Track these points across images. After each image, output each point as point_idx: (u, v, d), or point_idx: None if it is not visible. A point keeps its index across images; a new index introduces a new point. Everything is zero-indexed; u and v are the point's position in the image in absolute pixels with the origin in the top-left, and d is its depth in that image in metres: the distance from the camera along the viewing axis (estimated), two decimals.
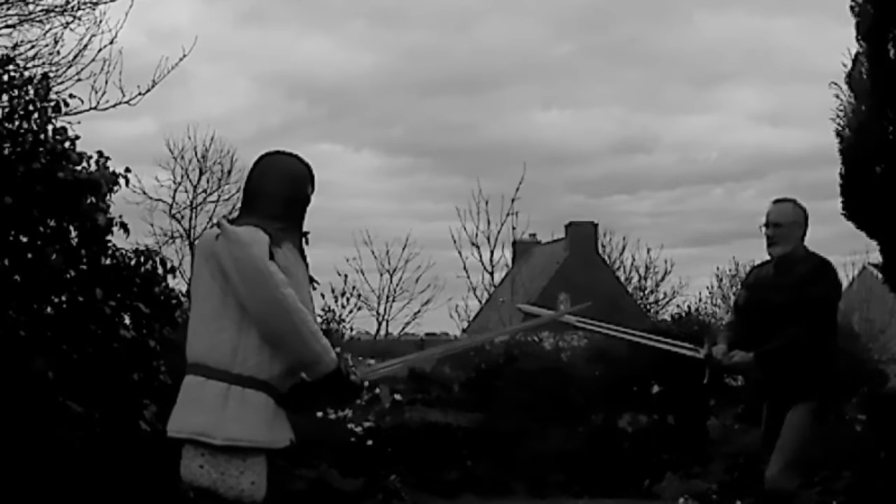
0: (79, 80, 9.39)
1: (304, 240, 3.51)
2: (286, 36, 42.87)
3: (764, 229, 5.42)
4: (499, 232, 26.85)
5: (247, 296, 3.18)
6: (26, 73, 6.82)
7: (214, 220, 24.35)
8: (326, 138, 45.60)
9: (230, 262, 3.20)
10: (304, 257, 3.42)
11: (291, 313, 3.16)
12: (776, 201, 5.45)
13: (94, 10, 9.51)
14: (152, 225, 24.56)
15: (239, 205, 3.64)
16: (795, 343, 5.15)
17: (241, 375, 3.21)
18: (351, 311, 17.98)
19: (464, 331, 27.99)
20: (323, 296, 16.12)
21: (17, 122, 6.30)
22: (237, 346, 3.23)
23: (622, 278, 34.61)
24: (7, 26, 9.36)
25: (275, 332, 3.20)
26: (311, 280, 3.46)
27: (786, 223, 5.35)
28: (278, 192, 3.42)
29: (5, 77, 6.36)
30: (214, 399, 3.20)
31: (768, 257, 5.48)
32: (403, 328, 25.30)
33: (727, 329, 5.69)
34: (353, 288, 18.28)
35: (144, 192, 24.12)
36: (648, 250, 34.10)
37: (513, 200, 26.13)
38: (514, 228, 27.21)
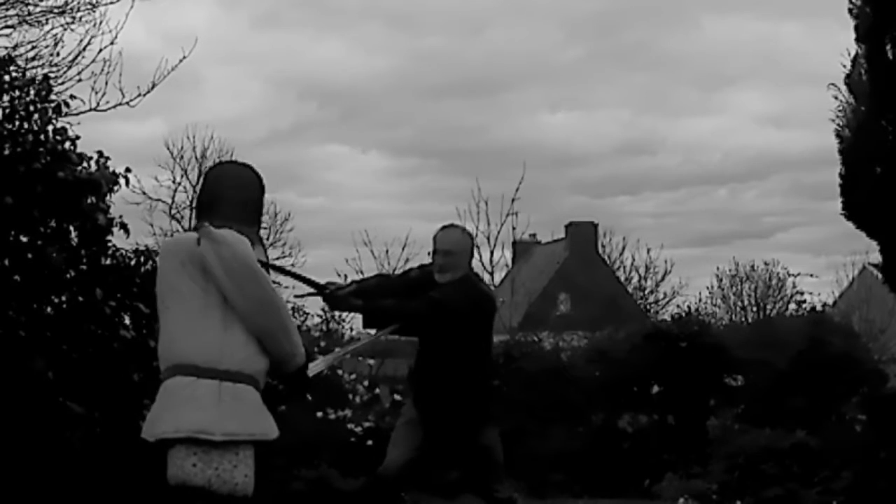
0: (79, 80, 9.36)
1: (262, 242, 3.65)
2: (301, 39, 43.11)
3: (433, 256, 5.13)
4: (499, 232, 26.75)
5: (237, 294, 3.28)
6: (27, 74, 6.81)
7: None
8: (335, 140, 45.77)
9: (217, 262, 3.29)
10: (267, 258, 3.56)
11: (280, 309, 3.36)
12: (444, 227, 5.17)
13: (93, 11, 9.49)
14: (152, 225, 24.66)
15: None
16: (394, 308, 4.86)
17: (229, 371, 3.29)
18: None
19: None
20: None
21: (17, 123, 6.30)
22: (223, 344, 3.31)
23: (622, 278, 34.60)
24: (7, 27, 9.36)
25: (264, 327, 3.31)
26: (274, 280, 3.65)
27: (458, 251, 5.09)
28: (238, 197, 3.52)
29: (6, 78, 6.36)
30: (208, 396, 3.27)
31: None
32: None
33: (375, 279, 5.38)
34: None
35: (144, 193, 24.21)
36: (648, 250, 34.09)
37: (513, 200, 26.02)
38: (514, 228, 27.11)
